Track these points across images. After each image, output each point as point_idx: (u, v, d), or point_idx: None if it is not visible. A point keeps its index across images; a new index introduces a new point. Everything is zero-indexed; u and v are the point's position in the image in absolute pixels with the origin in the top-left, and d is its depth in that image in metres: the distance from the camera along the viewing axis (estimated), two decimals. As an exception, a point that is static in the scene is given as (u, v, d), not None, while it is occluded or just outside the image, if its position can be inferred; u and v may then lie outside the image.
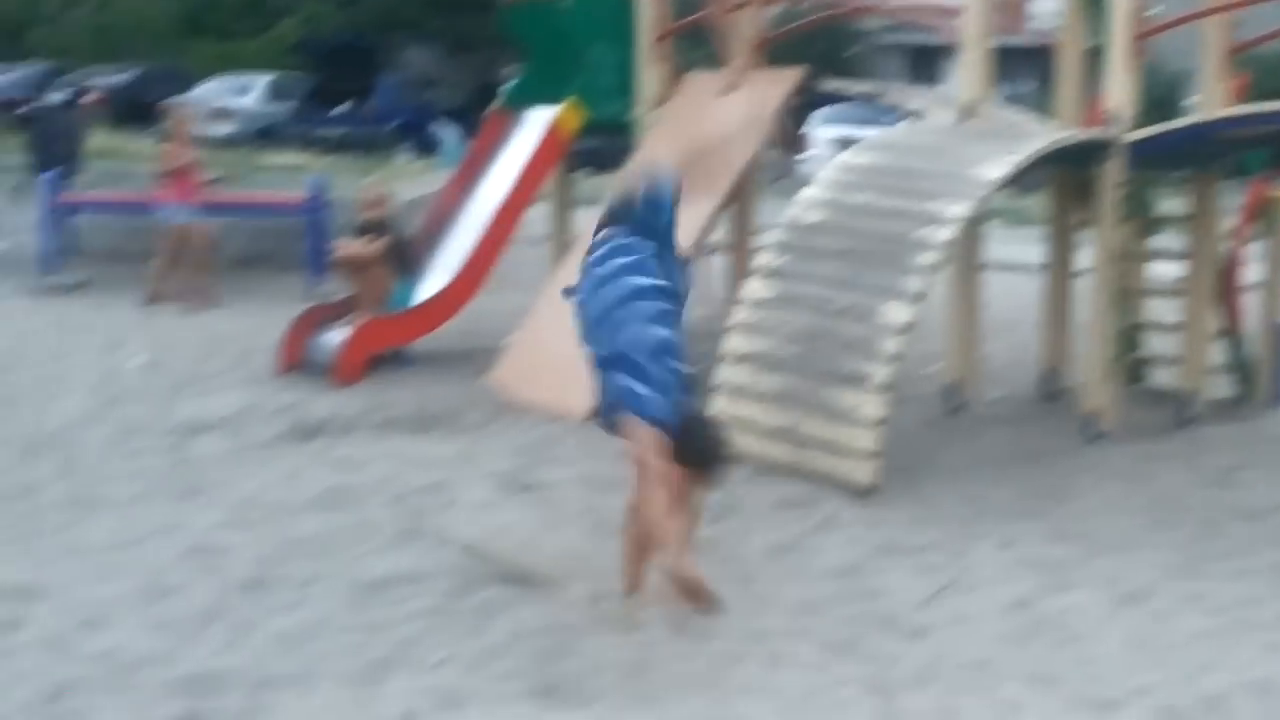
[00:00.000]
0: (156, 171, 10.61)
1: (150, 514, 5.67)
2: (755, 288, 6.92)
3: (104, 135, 24.10)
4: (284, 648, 4.42)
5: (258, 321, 9.55)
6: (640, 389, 4.41)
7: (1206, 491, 6.46)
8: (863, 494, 6.06)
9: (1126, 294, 7.80)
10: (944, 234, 6.56)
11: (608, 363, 4.51)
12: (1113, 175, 7.32)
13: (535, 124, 9.14)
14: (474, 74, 38.23)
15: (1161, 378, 8.33)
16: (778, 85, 8.64)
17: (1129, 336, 8.32)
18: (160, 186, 10.37)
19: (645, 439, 4.35)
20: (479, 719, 3.95)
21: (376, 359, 8.18)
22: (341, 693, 4.09)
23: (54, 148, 14.42)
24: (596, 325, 4.60)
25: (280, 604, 4.77)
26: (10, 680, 4.07)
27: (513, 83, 10.04)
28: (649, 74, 9.01)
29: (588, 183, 14.56)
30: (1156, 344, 8.65)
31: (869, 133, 8.69)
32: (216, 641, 4.45)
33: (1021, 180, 18.74)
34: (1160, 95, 29.59)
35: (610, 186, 9.76)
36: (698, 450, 4.50)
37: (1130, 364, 8.44)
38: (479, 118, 10.10)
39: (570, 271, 8.23)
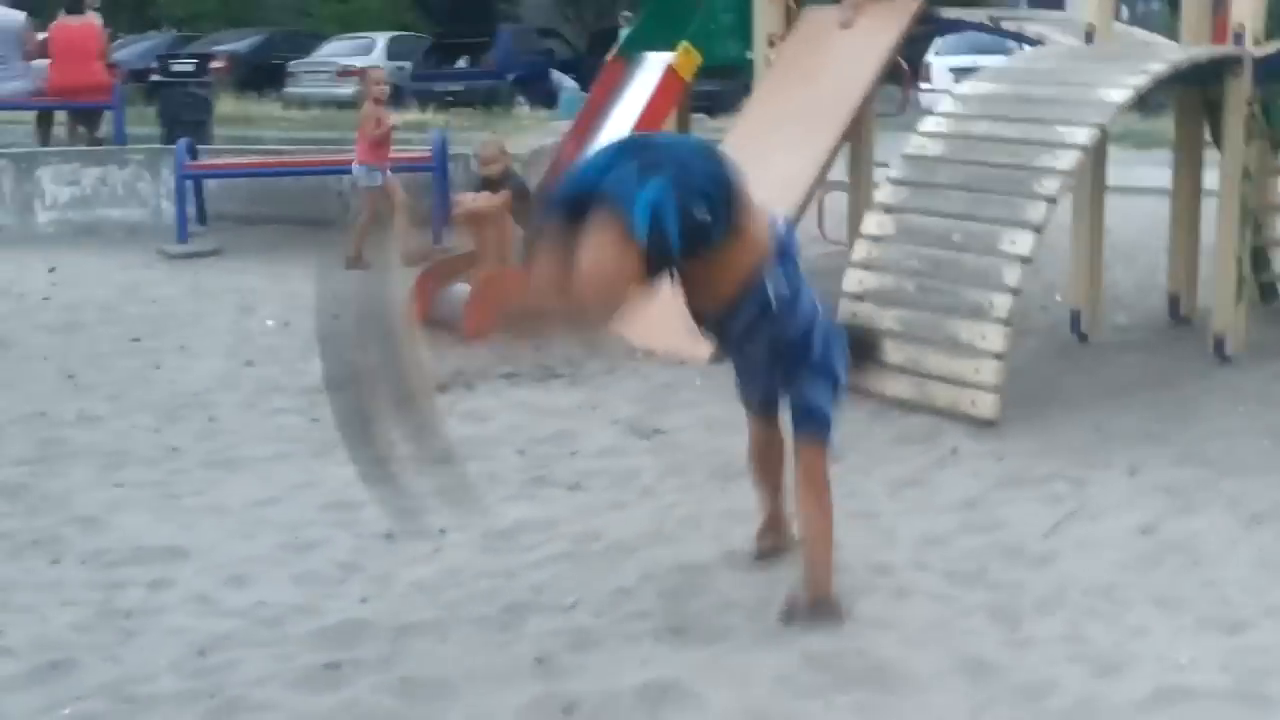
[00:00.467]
0: (353, 135, 10.79)
1: (288, 472, 5.85)
2: (874, 223, 6.92)
3: (231, 101, 24.60)
4: (421, 596, 4.55)
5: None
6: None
7: (1341, 410, 6.36)
8: (986, 426, 6.06)
9: (1255, 213, 7.66)
10: (1066, 160, 6.49)
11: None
12: (1239, 92, 7.18)
13: (652, 69, 9.16)
14: (590, 23, 38.29)
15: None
16: (896, 16, 8.57)
17: (1258, 256, 8.17)
18: (357, 148, 10.55)
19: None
20: (610, 659, 4.04)
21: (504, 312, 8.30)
22: (477, 638, 4.22)
23: (183, 115, 14.78)
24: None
25: (416, 554, 4.90)
26: (161, 637, 4.25)
27: (629, 29, 10.06)
28: (764, 12, 8.97)
29: (704, 127, 14.59)
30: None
31: (991, 61, 8.59)
32: (356, 593, 4.60)
33: (1148, 101, 18.35)
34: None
35: (727, 128, 9.83)
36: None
37: (1260, 284, 8.30)
38: (596, 67, 10.14)
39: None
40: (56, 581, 4.70)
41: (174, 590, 4.61)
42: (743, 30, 9.14)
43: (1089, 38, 7.67)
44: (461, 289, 8.29)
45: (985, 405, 6.13)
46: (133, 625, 4.33)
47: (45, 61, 13.76)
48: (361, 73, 11.44)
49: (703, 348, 7.31)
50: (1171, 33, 8.23)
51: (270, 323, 8.59)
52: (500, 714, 3.75)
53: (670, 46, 8.96)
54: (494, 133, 12.16)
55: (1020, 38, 8.49)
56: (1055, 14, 10.12)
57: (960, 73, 12.16)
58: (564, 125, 12.09)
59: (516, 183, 8.89)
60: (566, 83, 27.36)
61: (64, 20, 13.62)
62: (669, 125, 9.59)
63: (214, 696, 3.83)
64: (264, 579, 4.70)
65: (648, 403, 6.74)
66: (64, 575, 4.76)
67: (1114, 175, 8.16)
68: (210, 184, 12.16)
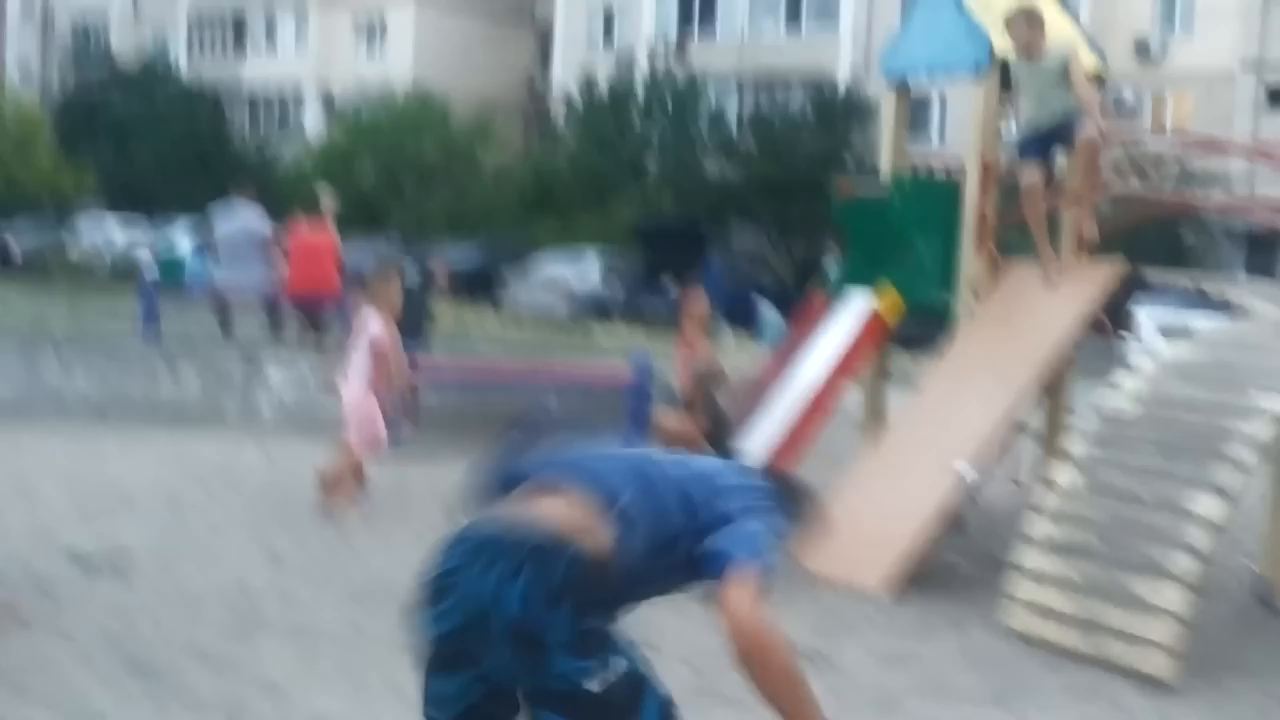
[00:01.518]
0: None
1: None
2: (1064, 474, 6.97)
3: (448, 307, 25.57)
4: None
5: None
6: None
7: None
8: (1158, 687, 5.99)
9: None
10: (1262, 427, 6.50)
11: None
12: None
13: (855, 307, 9.42)
14: (798, 254, 39.04)
15: None
16: (1100, 278, 8.71)
17: None
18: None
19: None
20: None
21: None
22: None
23: (405, 315, 15.47)
24: None
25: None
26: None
27: (836, 266, 10.36)
28: (970, 263, 9.16)
29: (902, 363, 14.73)
30: None
31: (1194, 317, 8.66)
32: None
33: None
34: None
35: (926, 369, 9.98)
36: None
37: None
38: (800, 297, 10.43)
39: (888, 450, 8.49)
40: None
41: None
42: (946, 277, 9.35)
43: (1292, 309, 7.71)
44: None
45: (1160, 664, 6.07)
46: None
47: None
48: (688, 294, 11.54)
49: (878, 577, 7.42)
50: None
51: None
52: None
53: (873, 284, 9.21)
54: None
55: (1225, 305, 8.54)
56: (1264, 288, 10.11)
57: (1165, 329, 12.16)
58: (765, 353, 12.38)
59: (712, 407, 9.09)
60: (770, 311, 27.89)
61: (303, 225, 14.48)
62: (869, 364, 9.81)
63: None
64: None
65: (815, 625, 6.80)
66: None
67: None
68: (426, 384, 12.67)
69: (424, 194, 39.51)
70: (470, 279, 30.33)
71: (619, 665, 3.05)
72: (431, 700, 3.25)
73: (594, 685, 2.99)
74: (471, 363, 13.76)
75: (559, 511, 3.10)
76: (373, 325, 9.04)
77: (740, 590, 3.04)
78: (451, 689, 3.17)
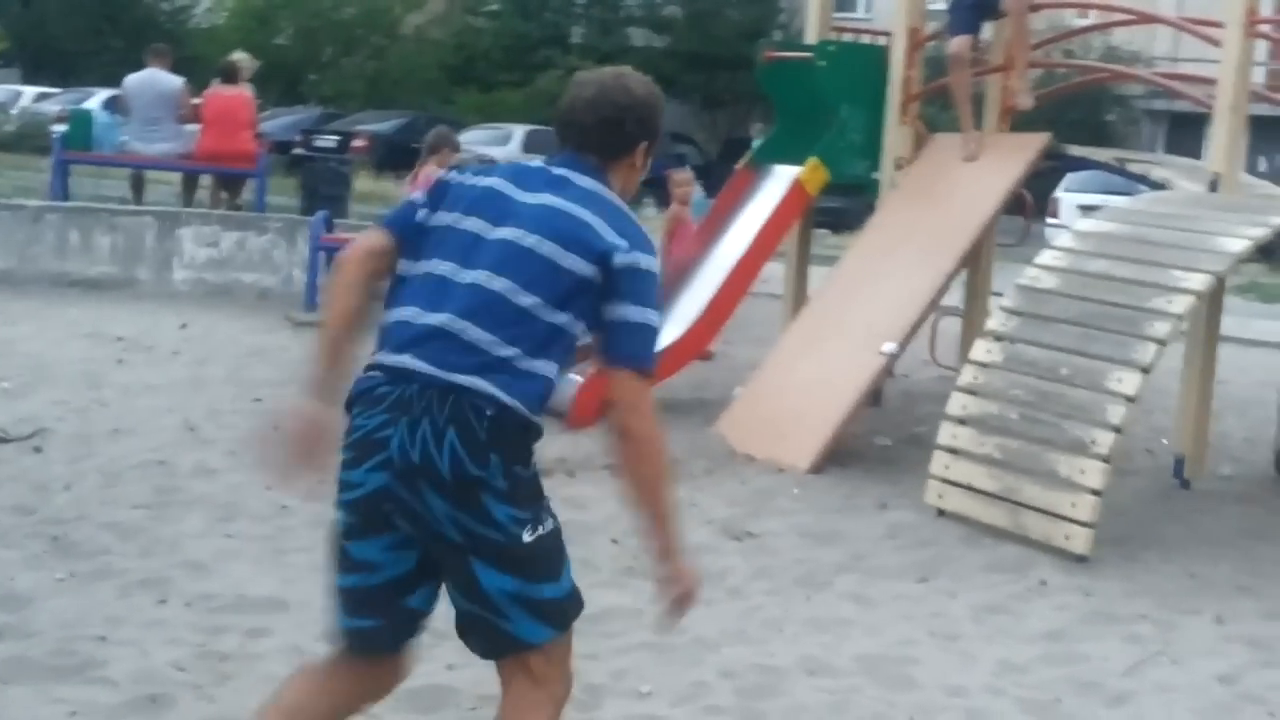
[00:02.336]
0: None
1: (390, 539, 6.03)
2: (983, 349, 7.01)
3: (369, 179, 25.28)
4: (504, 670, 4.68)
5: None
6: None
7: None
8: (1077, 561, 6.09)
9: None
10: (1179, 304, 6.56)
11: None
12: (1360, 253, 7.21)
13: (779, 181, 9.36)
14: (723, 131, 38.84)
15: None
16: (1023, 151, 8.71)
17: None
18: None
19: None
20: (680, 749, 4.15)
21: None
22: (554, 715, 4.33)
23: (322, 189, 15.27)
24: None
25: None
26: (255, 682, 4.40)
27: (761, 140, 10.28)
28: (895, 135, 9.16)
29: (825, 243, 14.77)
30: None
31: (1118, 201, 8.69)
32: (444, 659, 4.73)
33: (1274, 255, 18.18)
34: None
35: (848, 245, 9.99)
36: None
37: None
38: (726, 174, 10.37)
39: (809, 327, 8.51)
40: (161, 621, 4.91)
41: (271, 639, 4.79)
42: (871, 150, 9.33)
43: (1213, 186, 7.74)
44: (570, 378, 8.48)
45: (1078, 540, 6.17)
46: (229, 669, 4.52)
47: (196, 126, 14.32)
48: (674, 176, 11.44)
49: (802, 457, 7.47)
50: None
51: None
52: (568, 790, 3.85)
53: (799, 160, 9.15)
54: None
55: (1146, 180, 8.57)
56: (1182, 160, 10.17)
57: (1088, 210, 12.21)
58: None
59: None
60: (695, 188, 27.72)
61: (218, 89, 14.17)
62: (791, 238, 9.79)
63: (298, 743, 3.97)
64: (357, 638, 4.86)
65: (743, 506, 6.85)
66: (169, 615, 4.97)
67: (1235, 326, 8.19)
68: (343, 257, 12.53)
69: (343, 57, 38.77)
70: (393, 152, 29.91)
71: (549, 522, 3.20)
72: (355, 567, 3.30)
73: (527, 535, 3.12)
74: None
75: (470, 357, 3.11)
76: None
77: (634, 379, 3.17)
78: (374, 553, 3.24)
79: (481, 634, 3.30)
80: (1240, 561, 6.40)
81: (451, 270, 3.17)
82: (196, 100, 14.41)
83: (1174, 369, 7.96)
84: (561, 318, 3.14)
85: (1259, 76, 26.92)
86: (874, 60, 9.37)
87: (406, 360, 3.14)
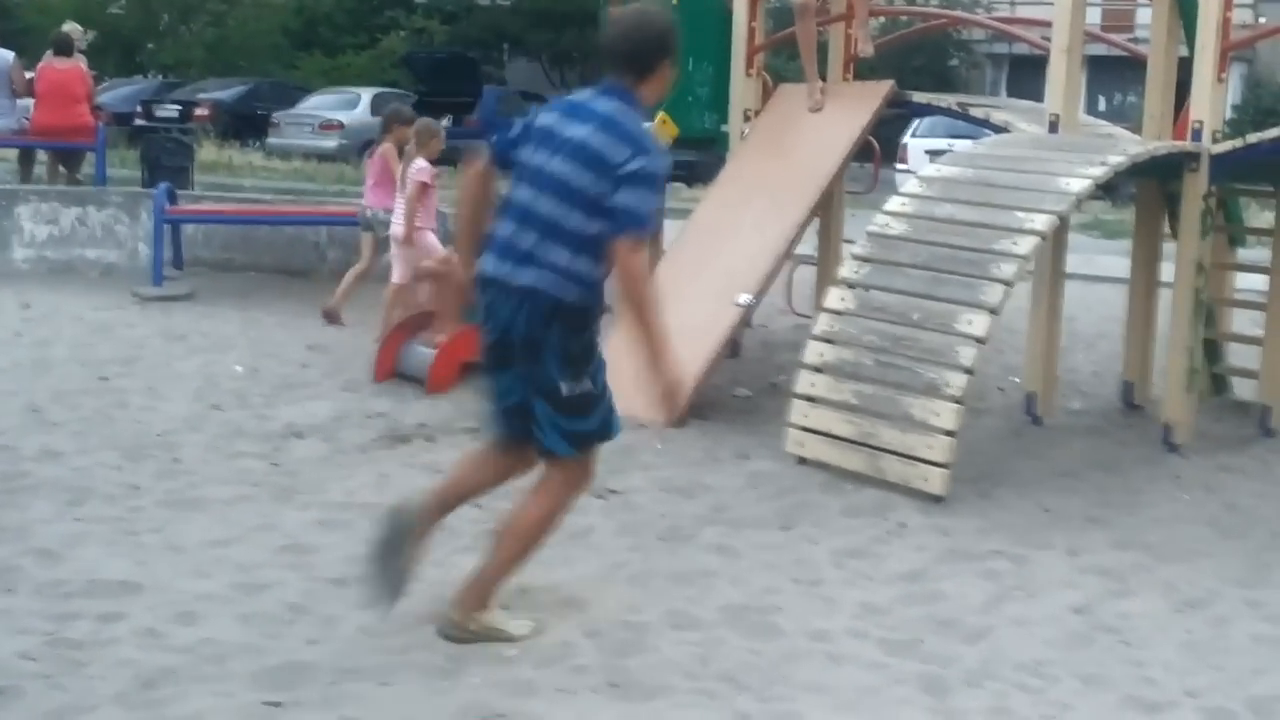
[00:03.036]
0: (330, 187, 10.78)
1: (247, 514, 5.93)
2: (836, 297, 7.07)
3: (213, 148, 24.79)
4: (367, 641, 4.63)
5: (357, 330, 9.86)
6: None
7: (1278, 503, 6.51)
8: (934, 502, 6.19)
9: (1209, 306, 7.84)
10: (1024, 245, 6.66)
11: None
12: (1197, 188, 7.37)
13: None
14: (575, 86, 38.67)
15: (1243, 390, 8.37)
16: (868, 99, 8.77)
17: (1210, 349, 8.36)
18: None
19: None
20: (547, 710, 4.13)
21: (467, 368, 8.41)
22: (418, 684, 4.29)
23: (165, 160, 14.93)
24: None
25: (366, 600, 4.98)
26: (108, 668, 4.31)
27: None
28: (741, 87, 9.17)
29: (679, 195, 14.79)
30: (1239, 356, 8.68)
31: (963, 145, 8.79)
32: (303, 634, 4.68)
33: (1118, 192, 18.63)
34: (1269, 106, 29.23)
35: (701, 198, 10.01)
36: None
37: (1211, 376, 8.48)
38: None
39: (663, 280, 8.49)
40: (8, 610, 4.76)
41: (124, 624, 4.67)
42: (719, 104, 9.34)
43: (1053, 127, 7.87)
44: (429, 342, 8.40)
45: (935, 481, 6.26)
46: (81, 656, 4.40)
47: (30, 101, 13.91)
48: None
49: (663, 412, 7.47)
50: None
51: (239, 368, 8.68)
52: (436, 758, 3.83)
53: (649, 116, 9.12)
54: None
55: (988, 124, 8.68)
56: (1023, 103, 10.32)
57: (935, 155, 12.40)
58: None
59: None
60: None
61: (51, 61, 13.74)
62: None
63: (155, 728, 3.90)
64: (213, 617, 4.77)
65: (605, 463, 6.78)
66: (16, 605, 4.82)
67: (1080, 263, 8.36)
68: (188, 229, 12.28)
69: (181, 24, 37.85)
70: (236, 120, 29.33)
71: (585, 384, 4.55)
72: (487, 394, 4.74)
73: (564, 389, 4.49)
74: (240, 207, 13.33)
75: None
76: (422, 173, 9.42)
77: (625, 243, 4.36)
78: (500, 385, 4.64)
79: (535, 440, 4.63)
80: (1091, 494, 6.55)
81: (527, 196, 4.47)
82: (30, 74, 13.99)
83: (1022, 308, 8.11)
84: (595, 227, 4.37)
85: (1094, 17, 27.47)
86: (718, 13, 9.37)
87: (490, 267, 4.49)
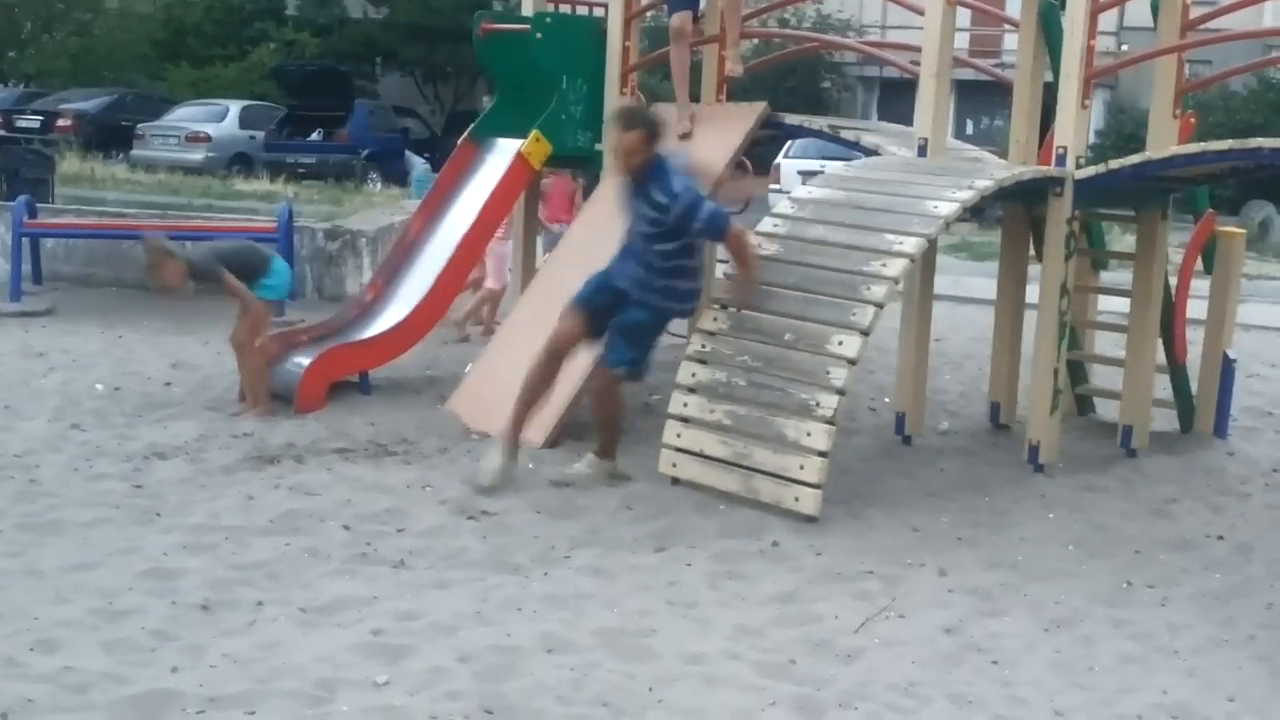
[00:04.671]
0: (196, 201, 10.60)
1: (108, 537, 5.78)
2: (709, 318, 7.08)
3: (76, 160, 24.25)
4: (233, 668, 4.52)
5: (222, 348, 9.67)
6: None
7: (1142, 522, 6.64)
8: (807, 522, 6.21)
9: (1072, 327, 7.98)
10: (894, 267, 6.72)
11: None
12: (1060, 211, 7.50)
13: (503, 155, 9.27)
14: (449, 102, 38.50)
15: (1107, 410, 8.53)
16: (742, 119, 8.81)
17: (1074, 369, 8.51)
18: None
19: None
20: (420, 738, 4.06)
21: (337, 386, 8.30)
22: (286, 712, 4.20)
23: (25, 172, 14.57)
24: None
25: (231, 626, 4.88)
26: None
27: (483, 113, 10.18)
28: (614, 105, 9.16)
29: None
30: (1102, 378, 8.85)
31: (835, 166, 8.85)
32: (167, 661, 4.56)
33: (985, 215, 18.89)
34: (1131, 132, 30.05)
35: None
36: None
37: (1076, 397, 8.63)
38: (451, 148, 10.23)
39: (536, 301, 8.48)
40: None
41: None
42: (594, 122, 9.33)
43: (922, 151, 7.97)
44: (297, 361, 8.27)
45: (807, 501, 6.28)
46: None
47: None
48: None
49: (537, 433, 7.43)
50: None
51: (99, 387, 8.48)
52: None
53: (523, 133, 9.09)
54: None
55: (858, 146, 8.77)
56: (894, 126, 10.45)
57: (807, 175, 12.51)
58: (413, 204, 12.17)
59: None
60: (418, 162, 27.47)
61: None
62: (516, 210, 9.73)
63: (12, 762, 3.77)
64: (74, 644, 4.64)
65: (479, 485, 6.77)
66: None
67: (948, 285, 8.47)
68: (48, 243, 12.00)
69: (44, 33, 37.05)
70: (100, 131, 28.72)
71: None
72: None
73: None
74: (103, 220, 13.03)
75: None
76: None
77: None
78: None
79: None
80: (960, 514, 6.62)
81: None
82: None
83: (892, 329, 8.19)
84: None
85: (962, 42, 27.96)
86: (592, 31, 9.37)
87: None
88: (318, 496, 6.46)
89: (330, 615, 5.03)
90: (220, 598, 5.16)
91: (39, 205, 12.30)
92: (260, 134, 28.35)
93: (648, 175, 6.72)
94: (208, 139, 27.77)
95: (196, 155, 27.32)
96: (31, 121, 28.34)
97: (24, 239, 11.30)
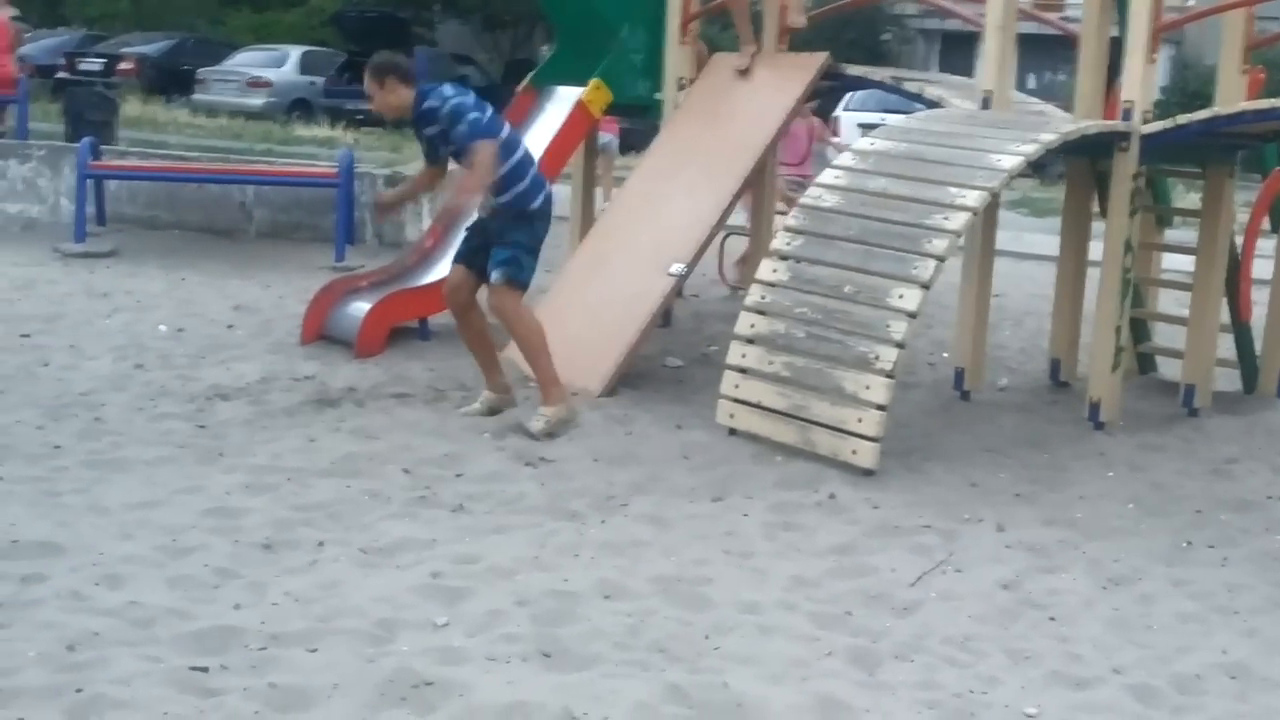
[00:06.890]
0: (257, 145, 10.71)
1: (172, 476, 5.85)
2: (769, 270, 7.06)
3: (138, 104, 24.40)
4: (294, 606, 4.58)
5: (284, 292, 9.76)
6: None
7: (1202, 481, 6.59)
8: (865, 475, 6.21)
9: (1136, 284, 7.91)
10: (956, 221, 6.67)
11: None
12: (1126, 167, 7.42)
13: (562, 103, 9.26)
14: (507, 51, 38.41)
15: (1169, 369, 8.46)
16: (802, 70, 8.76)
17: (1137, 327, 8.44)
18: None
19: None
20: (476, 679, 4.10)
21: (397, 331, 8.35)
22: (346, 650, 4.25)
23: (88, 115, 14.67)
24: None
25: (293, 565, 4.94)
26: (30, 630, 4.24)
27: (543, 61, 10.16)
28: (675, 55, 9.13)
29: (615, 163, 14.72)
30: (1164, 336, 8.78)
31: (895, 119, 8.79)
32: (230, 599, 4.62)
33: (1047, 170, 18.73)
34: (1196, 89, 29.64)
35: (633, 166, 9.97)
36: None
37: (1138, 355, 8.57)
38: (508, 95, 10.22)
39: (596, 250, 8.48)
40: (-74, 571, 4.67)
41: (47, 586, 4.59)
42: (653, 71, 9.29)
43: (985, 104, 7.90)
44: (357, 306, 8.32)
45: (865, 454, 6.28)
46: (2, 618, 4.32)
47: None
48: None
49: (594, 380, 7.46)
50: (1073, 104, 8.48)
51: (163, 328, 8.56)
52: (363, 727, 3.80)
53: (582, 82, 9.07)
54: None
55: (920, 99, 8.70)
56: (956, 79, 10.35)
57: (867, 129, 12.41)
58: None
59: None
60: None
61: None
62: (576, 158, 9.72)
63: (79, 692, 3.83)
64: (138, 580, 4.70)
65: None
66: (-66, 566, 4.73)
67: (1010, 240, 8.40)
68: (111, 185, 12.09)
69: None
70: (162, 75, 28.88)
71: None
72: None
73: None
74: (166, 163, 13.11)
75: None
76: None
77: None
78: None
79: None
80: (1018, 470, 6.59)
81: None
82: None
83: (953, 283, 8.15)
84: None
85: (1027, -4, 27.47)
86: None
87: None
88: (377, 440, 6.51)
89: (390, 557, 5.08)
90: (282, 537, 5.22)
91: (102, 147, 12.38)
92: (320, 80, 28.43)
93: (420, 109, 6.88)
94: (268, 84, 27.88)
95: (257, 100, 27.44)
96: (94, 64, 28.51)
97: (88, 181, 11.37)
